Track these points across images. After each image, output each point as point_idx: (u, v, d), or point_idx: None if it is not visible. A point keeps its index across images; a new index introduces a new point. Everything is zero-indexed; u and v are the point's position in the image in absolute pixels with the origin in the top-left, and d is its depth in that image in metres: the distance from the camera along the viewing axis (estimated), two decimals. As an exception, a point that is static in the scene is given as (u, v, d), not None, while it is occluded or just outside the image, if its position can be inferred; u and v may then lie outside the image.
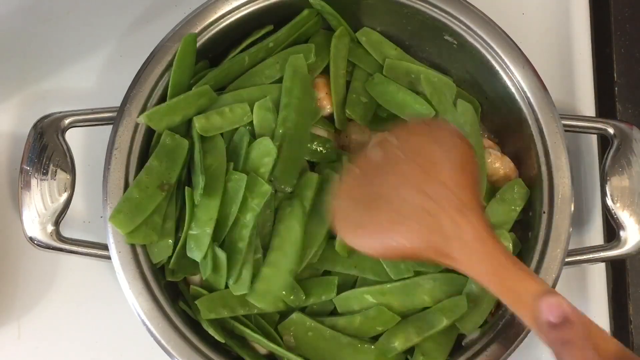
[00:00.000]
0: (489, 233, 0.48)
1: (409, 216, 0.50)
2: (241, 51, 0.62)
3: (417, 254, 0.50)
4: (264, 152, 0.58)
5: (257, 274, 0.57)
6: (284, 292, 0.57)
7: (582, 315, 0.44)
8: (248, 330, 0.57)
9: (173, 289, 0.59)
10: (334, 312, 0.60)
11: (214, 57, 0.63)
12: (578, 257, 0.59)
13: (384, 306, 0.58)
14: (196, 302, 0.57)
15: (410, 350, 0.58)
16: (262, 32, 0.63)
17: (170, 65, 0.59)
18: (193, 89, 0.60)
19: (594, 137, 0.70)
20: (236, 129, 0.60)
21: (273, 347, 0.57)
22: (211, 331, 0.56)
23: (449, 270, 0.58)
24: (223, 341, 0.56)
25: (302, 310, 0.59)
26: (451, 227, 0.48)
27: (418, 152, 0.52)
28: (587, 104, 0.70)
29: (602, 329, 0.45)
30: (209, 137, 0.59)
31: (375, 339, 0.59)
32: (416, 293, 0.59)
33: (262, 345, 0.58)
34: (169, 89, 0.59)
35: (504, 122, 0.64)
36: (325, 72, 0.65)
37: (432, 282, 0.59)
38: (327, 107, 0.64)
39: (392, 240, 0.50)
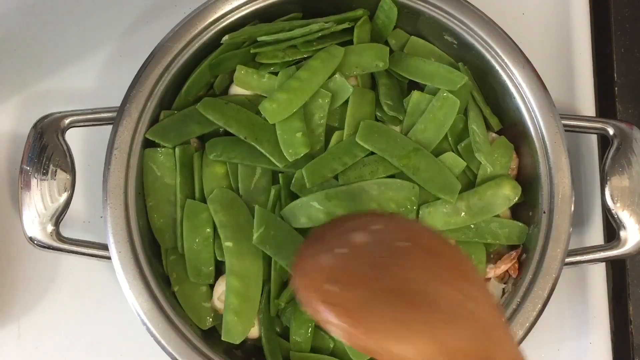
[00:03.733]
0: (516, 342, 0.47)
1: (455, 315, 0.41)
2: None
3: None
4: None
5: None
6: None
7: None
8: None
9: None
10: None
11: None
12: (578, 257, 0.59)
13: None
14: None
15: None
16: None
17: (170, 65, 0.59)
18: None
19: (594, 137, 0.70)
20: None
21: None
22: None
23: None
24: None
25: None
26: (492, 328, 0.41)
27: (424, 245, 0.44)
28: (587, 104, 0.70)
29: None
30: None
31: None
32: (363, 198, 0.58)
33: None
34: None
35: (503, 121, 0.64)
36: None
37: (376, 187, 0.59)
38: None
39: (442, 343, 0.40)
